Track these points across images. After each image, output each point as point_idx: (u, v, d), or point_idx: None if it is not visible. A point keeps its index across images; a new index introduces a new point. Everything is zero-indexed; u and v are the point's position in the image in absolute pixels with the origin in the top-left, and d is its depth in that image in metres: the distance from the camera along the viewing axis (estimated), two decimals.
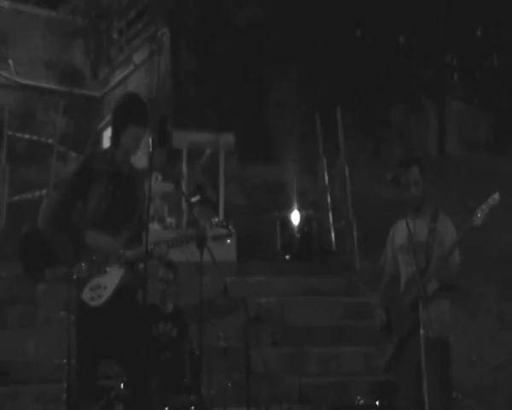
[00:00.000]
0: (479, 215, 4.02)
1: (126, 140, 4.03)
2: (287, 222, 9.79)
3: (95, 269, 3.87)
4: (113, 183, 3.97)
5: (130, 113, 4.01)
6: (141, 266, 3.97)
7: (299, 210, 9.85)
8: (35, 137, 13.00)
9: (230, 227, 4.32)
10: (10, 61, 15.86)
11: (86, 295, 3.83)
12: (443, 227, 4.34)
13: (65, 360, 5.16)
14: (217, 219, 4.32)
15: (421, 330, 3.92)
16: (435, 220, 4.35)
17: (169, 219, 9.54)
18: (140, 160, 4.34)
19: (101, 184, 3.92)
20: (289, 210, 9.88)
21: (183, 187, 9.61)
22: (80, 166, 4.01)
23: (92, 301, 3.83)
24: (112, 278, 3.88)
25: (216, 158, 10.30)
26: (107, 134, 15.88)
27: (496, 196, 4.05)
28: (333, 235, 9.75)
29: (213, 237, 4.20)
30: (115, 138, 4.05)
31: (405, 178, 4.34)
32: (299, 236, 9.69)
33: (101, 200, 3.91)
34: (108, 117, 16.00)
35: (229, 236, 4.27)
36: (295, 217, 9.71)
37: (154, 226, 9.10)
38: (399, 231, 4.48)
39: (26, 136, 13.06)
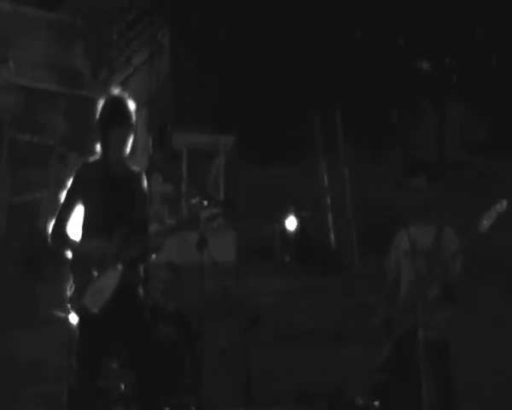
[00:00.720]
0: (485, 222, 3.97)
1: (115, 143, 4.06)
2: (286, 224, 9.81)
3: (93, 273, 3.89)
4: (107, 188, 3.99)
5: (111, 116, 4.03)
6: (141, 265, 3.99)
7: (298, 211, 9.87)
8: (35, 139, 13.02)
9: (227, 202, 4.24)
10: (11, 63, 15.87)
11: (88, 301, 3.85)
12: (448, 240, 4.31)
13: (66, 361, 5.17)
14: (206, 201, 4.25)
15: (420, 332, 3.91)
16: (441, 231, 4.31)
17: (169, 221, 9.56)
18: (140, 161, 4.35)
19: (94, 191, 3.96)
20: (289, 211, 9.90)
21: (183, 188, 9.64)
22: (73, 178, 4.05)
23: (94, 305, 3.84)
24: (111, 279, 3.89)
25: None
26: None
27: (503, 203, 3.97)
28: (332, 236, 9.78)
29: (207, 218, 4.15)
30: (104, 144, 4.07)
31: (412, 186, 4.31)
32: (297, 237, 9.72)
33: (97, 207, 3.94)
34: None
35: (222, 214, 4.19)
36: (291, 223, 9.74)
37: (154, 228, 9.11)
38: (404, 238, 4.44)
39: (27, 137, 13.08)
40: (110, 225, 3.93)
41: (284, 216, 9.93)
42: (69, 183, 4.04)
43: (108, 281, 3.88)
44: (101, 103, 4.15)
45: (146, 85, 15.59)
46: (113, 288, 3.87)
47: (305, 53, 14.59)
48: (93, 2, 16.49)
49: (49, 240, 4.01)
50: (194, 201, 10.28)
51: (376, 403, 5.56)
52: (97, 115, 4.08)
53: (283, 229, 9.84)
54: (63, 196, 4.03)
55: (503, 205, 3.97)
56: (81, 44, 17.02)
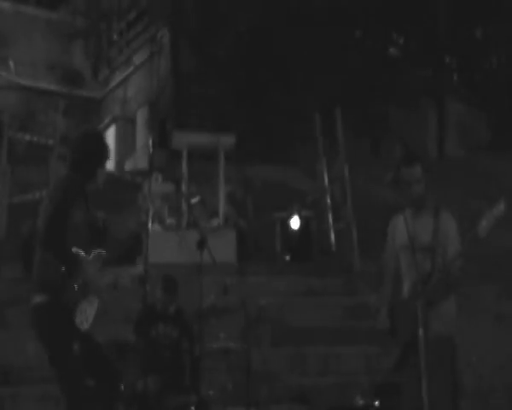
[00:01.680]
0: (483, 224, 3.95)
1: (100, 176, 4.16)
2: (286, 223, 9.80)
3: (81, 293, 3.95)
4: (87, 208, 4.08)
5: (103, 152, 4.17)
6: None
7: (298, 211, 9.85)
8: (35, 138, 13.01)
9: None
10: (11, 62, 15.88)
11: (77, 319, 3.92)
12: (445, 227, 4.28)
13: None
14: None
15: (421, 331, 3.89)
16: (438, 220, 4.29)
17: (169, 220, 9.55)
18: (140, 161, 4.38)
19: (78, 206, 4.02)
20: (289, 211, 9.88)
21: (183, 188, 9.62)
22: (66, 191, 4.07)
23: (81, 325, 3.93)
24: (92, 304, 3.99)
25: (216, 159, 10.30)
26: (108, 135, 15.90)
27: (501, 205, 3.95)
28: (332, 235, 9.77)
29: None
30: (91, 174, 4.13)
31: (407, 175, 4.30)
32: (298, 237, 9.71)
33: (80, 225, 4.00)
34: (108, 119, 16.11)
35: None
36: (295, 222, 9.72)
37: (155, 227, 9.12)
38: (400, 230, 4.38)
39: (27, 137, 13.09)
40: (87, 246, 4.00)
41: (284, 215, 9.92)
42: (62, 194, 4.05)
43: (91, 305, 3.97)
44: (87, 138, 4.25)
45: (146, 85, 15.60)
46: (94, 313, 3.97)
47: (306, 52, 14.59)
48: (93, 2, 16.51)
49: (50, 250, 3.98)
50: (193, 200, 10.29)
51: (376, 403, 5.56)
52: (91, 151, 4.17)
53: (283, 228, 9.83)
54: (58, 206, 4.01)
55: (500, 207, 3.95)
56: (81, 44, 17.04)
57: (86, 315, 3.94)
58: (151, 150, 4.04)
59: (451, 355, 4.26)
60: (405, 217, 4.13)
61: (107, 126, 15.95)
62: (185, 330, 5.73)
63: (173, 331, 5.69)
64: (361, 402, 5.69)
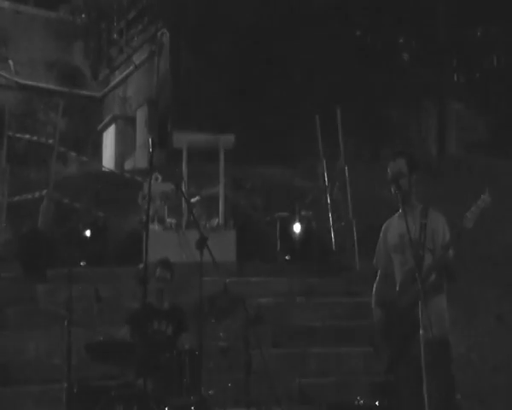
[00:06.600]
0: (469, 217, 4.04)
1: None
2: (286, 223, 9.81)
3: None
4: None
5: None
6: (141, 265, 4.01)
7: (298, 212, 9.86)
8: (35, 138, 13.01)
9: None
10: (10, 62, 15.88)
11: None
12: (434, 223, 4.33)
13: (65, 361, 5.16)
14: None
15: (421, 331, 3.90)
16: (425, 217, 4.34)
17: (169, 220, 9.54)
18: (140, 160, 4.37)
19: None
20: (290, 213, 9.89)
21: (183, 187, 9.61)
22: None
23: None
24: None
25: (216, 158, 10.30)
26: (107, 134, 15.91)
27: (485, 197, 4.05)
28: (333, 235, 9.77)
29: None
30: None
31: (391, 169, 4.38)
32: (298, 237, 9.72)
33: None
34: (108, 118, 16.12)
35: None
36: (296, 227, 9.72)
37: (155, 227, 9.12)
38: (391, 231, 4.49)
39: (26, 136, 13.08)
40: None
41: (284, 215, 9.93)
42: None
43: None
44: None
45: (146, 84, 15.60)
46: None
47: (306, 52, 14.58)
48: (93, 1, 16.51)
49: None
50: (193, 200, 10.26)
51: (376, 403, 5.57)
52: None
53: (284, 228, 9.84)
54: None
55: (485, 199, 4.04)
56: (81, 43, 17.05)
57: None
58: (151, 150, 4.02)
59: (446, 357, 4.27)
60: (400, 215, 4.18)
61: (107, 126, 15.95)
62: (181, 327, 5.71)
63: (168, 328, 5.68)
64: (361, 402, 5.70)
